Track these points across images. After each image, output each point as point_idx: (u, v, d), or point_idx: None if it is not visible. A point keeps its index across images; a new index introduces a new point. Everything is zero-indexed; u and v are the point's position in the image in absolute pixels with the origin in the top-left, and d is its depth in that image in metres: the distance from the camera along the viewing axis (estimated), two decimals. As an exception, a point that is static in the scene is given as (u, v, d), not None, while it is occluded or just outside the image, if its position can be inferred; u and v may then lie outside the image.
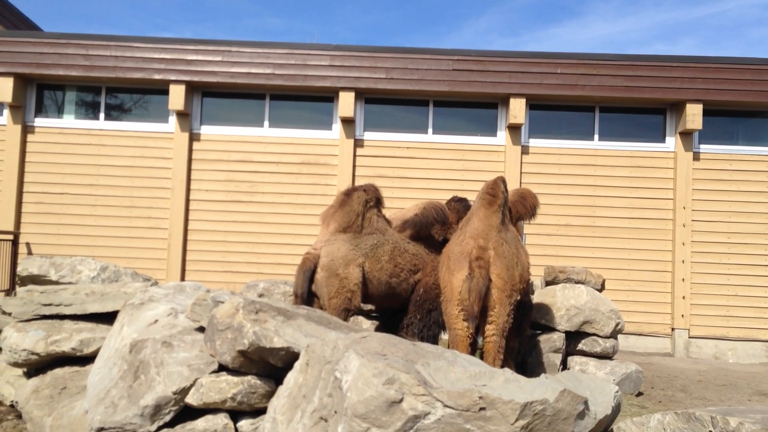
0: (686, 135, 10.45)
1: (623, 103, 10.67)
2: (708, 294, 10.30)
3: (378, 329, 6.76)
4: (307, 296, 5.88)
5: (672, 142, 10.61)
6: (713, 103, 10.34)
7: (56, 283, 5.99)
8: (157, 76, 10.49)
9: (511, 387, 2.93)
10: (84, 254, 9.57)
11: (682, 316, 10.20)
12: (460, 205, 6.76)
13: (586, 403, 3.00)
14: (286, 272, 9.92)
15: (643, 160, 10.60)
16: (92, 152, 10.78)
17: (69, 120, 11.01)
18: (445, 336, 5.87)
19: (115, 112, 11.11)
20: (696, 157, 10.50)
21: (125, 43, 10.52)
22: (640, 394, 6.94)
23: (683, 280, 10.25)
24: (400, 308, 6.45)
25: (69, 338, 4.86)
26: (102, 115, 10.98)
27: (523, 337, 6.43)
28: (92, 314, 5.12)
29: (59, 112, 11.08)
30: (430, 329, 6.34)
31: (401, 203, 9.27)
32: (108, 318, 5.07)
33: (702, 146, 10.56)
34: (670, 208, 10.46)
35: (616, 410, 3.34)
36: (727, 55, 10.43)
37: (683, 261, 10.27)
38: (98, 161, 10.76)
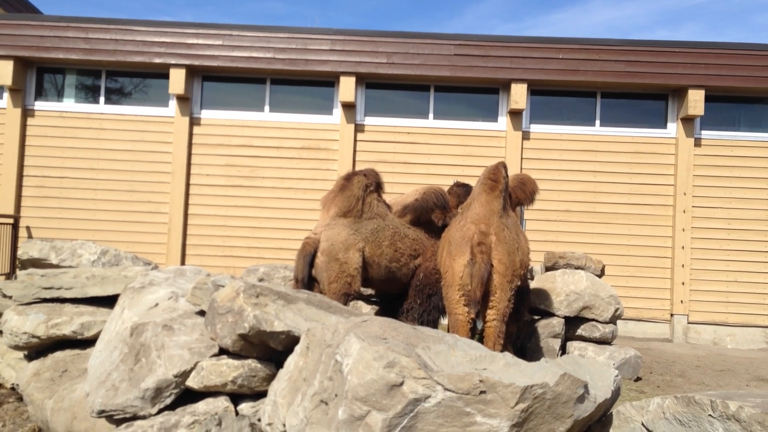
0: (688, 121, 10.42)
1: (625, 88, 10.63)
2: (707, 280, 10.31)
3: (378, 314, 6.77)
4: (308, 281, 5.89)
5: (673, 128, 10.58)
6: (715, 89, 10.31)
7: (57, 266, 6.01)
8: (157, 60, 10.45)
9: (511, 371, 2.94)
10: (84, 238, 9.57)
11: (681, 301, 10.22)
12: (462, 190, 6.74)
13: (586, 386, 3.01)
14: (287, 257, 9.93)
15: (644, 146, 10.58)
16: (92, 136, 10.76)
17: (69, 103, 10.98)
18: (444, 321, 5.88)
19: (116, 95, 11.07)
20: (697, 143, 10.48)
21: (125, 27, 10.47)
22: (638, 379, 6.97)
23: (683, 266, 10.26)
24: (400, 293, 6.46)
25: (70, 321, 4.87)
26: (102, 98, 10.95)
27: (521, 322, 6.45)
28: (93, 298, 5.13)
29: (59, 95, 11.05)
30: (430, 314, 6.35)
31: (402, 188, 9.25)
32: (109, 301, 5.08)
33: (703, 132, 10.54)
34: (671, 194, 10.46)
35: (616, 394, 3.35)
36: (730, 41, 10.40)
37: (683, 247, 10.28)
38: (98, 145, 10.74)
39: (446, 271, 5.11)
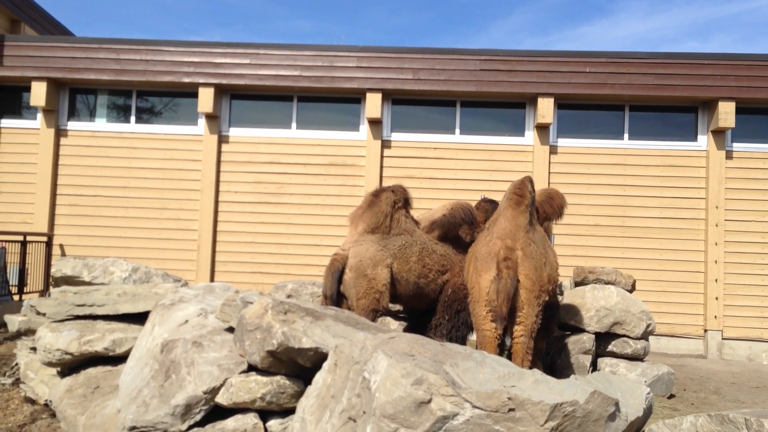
0: (718, 133, 10.28)
1: (654, 101, 10.54)
2: (742, 295, 10.12)
3: (406, 330, 6.75)
4: (336, 297, 5.90)
5: (704, 140, 10.44)
6: (746, 101, 10.17)
7: (89, 284, 6.09)
8: (186, 80, 10.62)
9: (540, 388, 2.91)
10: (116, 255, 9.71)
11: (715, 317, 10.03)
12: (490, 206, 6.71)
13: (617, 404, 2.96)
14: (315, 273, 9.96)
15: (674, 159, 10.45)
16: (123, 155, 10.94)
17: (101, 123, 11.19)
18: (473, 337, 5.85)
19: (146, 115, 11.26)
20: (729, 155, 10.33)
21: (155, 47, 10.67)
22: (672, 396, 6.84)
23: (716, 280, 10.08)
24: (428, 309, 6.44)
25: (102, 338, 4.94)
26: (133, 118, 11.15)
27: (551, 338, 6.37)
28: (124, 314, 5.20)
29: (91, 115, 11.27)
30: (459, 330, 6.31)
31: (429, 204, 9.25)
32: (140, 318, 5.14)
33: (735, 145, 10.38)
34: (703, 208, 10.30)
35: (648, 412, 3.30)
36: (760, 53, 10.25)
37: (716, 261, 10.11)
38: (129, 164, 10.92)
39: (473, 286, 5.09)
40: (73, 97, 11.23)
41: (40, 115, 10.97)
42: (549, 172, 10.45)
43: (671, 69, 10.14)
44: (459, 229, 6.63)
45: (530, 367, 4.80)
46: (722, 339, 10.04)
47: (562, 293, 7.46)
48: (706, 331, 10.08)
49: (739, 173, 10.30)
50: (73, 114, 11.20)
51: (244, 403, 3.71)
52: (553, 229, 6.70)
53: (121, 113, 11.29)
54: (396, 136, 10.80)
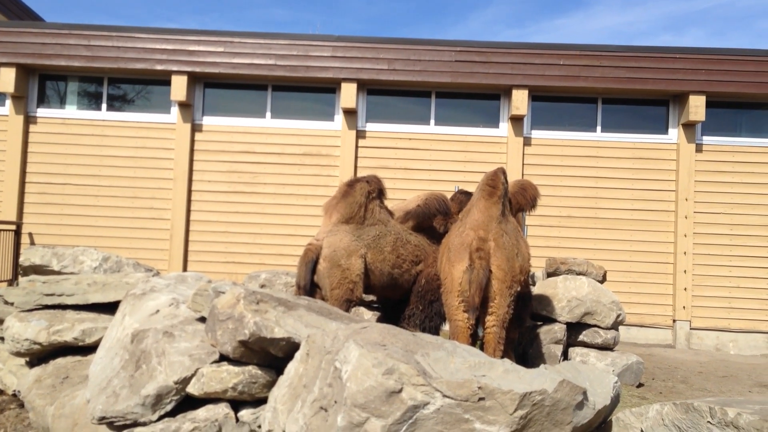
0: (689, 126, 10.43)
1: (626, 94, 10.64)
2: (710, 285, 10.30)
3: (380, 320, 6.77)
4: (310, 287, 5.90)
5: (675, 133, 10.58)
6: (716, 94, 10.31)
7: (58, 273, 6.01)
8: (159, 67, 10.49)
9: (510, 377, 2.94)
10: (86, 245, 9.58)
11: (684, 307, 10.20)
12: (464, 197, 6.76)
13: (584, 393, 3.01)
14: (289, 263, 9.94)
15: (645, 152, 10.58)
16: (94, 143, 10.79)
17: (71, 110, 11.01)
18: (446, 327, 5.89)
19: (118, 102, 11.11)
20: (698, 148, 10.48)
21: (127, 34, 10.51)
22: (641, 385, 6.95)
23: (685, 271, 10.25)
24: (402, 299, 6.47)
25: (71, 328, 4.88)
26: (104, 105, 10.99)
27: (523, 328, 6.44)
28: (94, 304, 5.14)
29: (61, 102, 11.09)
30: (432, 320, 6.35)
31: (403, 194, 9.27)
32: (110, 308, 5.09)
33: (705, 138, 10.53)
34: (673, 200, 10.45)
35: (615, 401, 3.35)
36: (731, 47, 10.39)
37: (685, 253, 10.27)
38: (100, 152, 10.77)
39: (445, 277, 5.12)
40: (43, 84, 11.03)
41: (8, 102, 10.75)
42: (523, 164, 10.51)
43: (643, 62, 10.25)
44: (433, 220, 6.66)
45: (502, 357, 4.84)
46: (690, 329, 10.21)
47: (534, 284, 7.54)
48: (674, 321, 10.25)
49: (708, 166, 10.46)
50: (42, 101, 11.00)
51: (216, 393, 3.70)
52: (525, 220, 6.76)
53: (92, 100, 11.12)
54: (371, 127, 10.78)
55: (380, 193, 6.39)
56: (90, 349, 4.92)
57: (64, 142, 10.79)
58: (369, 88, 10.83)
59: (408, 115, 10.93)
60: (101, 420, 3.75)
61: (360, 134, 10.74)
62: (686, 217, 10.31)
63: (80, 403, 4.16)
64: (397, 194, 9.28)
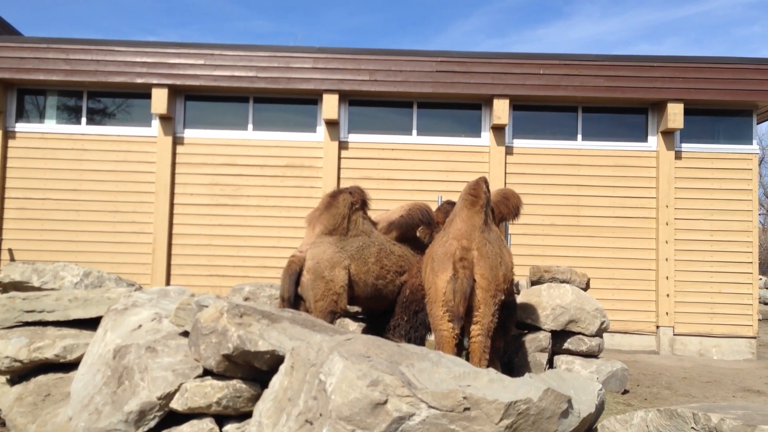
0: (668, 134, 10.54)
1: (605, 103, 10.74)
2: (692, 291, 10.38)
3: (365, 331, 6.75)
4: (294, 299, 5.86)
5: (654, 141, 10.69)
6: (694, 102, 10.44)
7: (39, 289, 5.93)
8: (139, 80, 10.44)
9: (495, 387, 2.94)
10: (67, 260, 9.47)
11: (667, 313, 10.27)
12: (450, 207, 6.75)
13: (569, 401, 3.01)
14: (272, 275, 9.89)
15: (626, 160, 10.68)
16: (74, 157, 10.70)
17: (50, 125, 10.93)
18: (431, 337, 5.88)
19: (98, 116, 11.04)
20: (678, 155, 10.59)
21: (107, 47, 10.46)
22: (626, 392, 6.98)
23: (667, 278, 10.33)
24: (386, 310, 6.45)
25: (52, 345, 4.81)
26: (84, 119, 10.91)
27: (509, 337, 6.45)
28: (76, 320, 5.07)
29: (41, 116, 11.00)
30: (417, 330, 6.34)
31: (387, 205, 9.26)
32: (92, 324, 5.03)
33: (683, 145, 10.65)
34: (653, 207, 10.54)
35: (600, 408, 3.36)
36: (709, 55, 10.54)
37: (667, 259, 10.35)
38: (81, 166, 10.69)
39: (429, 287, 5.12)
40: (22, 98, 10.94)
41: (-14, 117, 10.66)
42: (505, 173, 10.57)
43: (622, 71, 10.36)
44: (417, 230, 6.66)
45: (488, 366, 4.84)
46: (674, 335, 10.29)
47: (518, 292, 7.55)
48: (658, 327, 10.31)
49: (687, 173, 10.58)
50: (21, 115, 10.90)
51: (200, 408, 3.66)
52: (509, 229, 6.78)
53: (71, 114, 11.05)
54: (353, 137, 10.79)
55: (363, 204, 6.38)
56: (72, 365, 4.85)
57: (44, 157, 10.69)
58: (351, 99, 10.84)
59: (390, 126, 10.95)
60: (83, 438, 3.70)
61: (342, 145, 10.74)
62: (667, 224, 10.40)
63: (62, 420, 4.10)
64: (380, 205, 9.26)
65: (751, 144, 10.70)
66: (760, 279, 23.03)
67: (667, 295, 10.30)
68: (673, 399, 6.97)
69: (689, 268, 10.43)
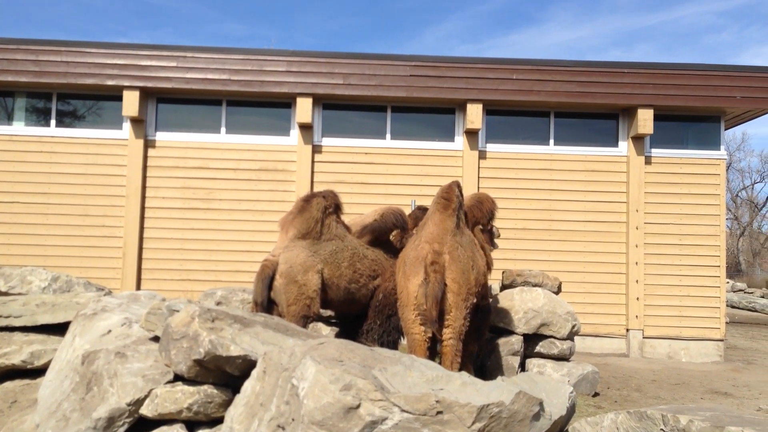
0: (638, 139, 10.68)
1: (577, 108, 10.85)
2: (661, 295, 10.52)
3: (338, 335, 6.74)
4: (267, 303, 5.83)
5: (624, 146, 10.83)
6: (664, 108, 10.59)
7: (5, 294, 5.83)
8: (110, 82, 10.31)
9: (467, 390, 2.95)
10: (35, 264, 9.33)
11: (636, 317, 10.40)
12: (422, 213, 6.78)
13: (541, 404, 3.03)
14: (245, 279, 9.81)
15: (597, 164, 10.80)
16: (43, 159, 10.53)
17: (19, 127, 10.74)
18: (404, 341, 5.88)
19: (67, 118, 10.88)
20: (648, 161, 10.74)
21: (77, 49, 10.31)
22: (596, 394, 7.05)
23: (637, 281, 10.46)
24: (359, 314, 6.45)
25: (19, 351, 4.74)
26: (53, 121, 10.75)
27: (482, 341, 6.48)
28: (43, 326, 5.00)
29: (9, 118, 10.81)
30: (390, 334, 6.35)
31: (360, 209, 9.24)
32: (60, 329, 4.96)
33: (653, 150, 10.81)
34: (624, 211, 10.67)
35: (571, 411, 3.39)
36: (678, 62, 10.72)
37: (636, 263, 10.48)
38: (50, 169, 10.52)
39: (401, 291, 5.12)
40: (-11, 100, 10.75)
41: (-48, 118, 10.45)
42: (478, 177, 10.62)
43: (593, 77, 10.48)
44: (390, 234, 6.67)
45: (460, 369, 4.86)
46: (643, 338, 10.41)
47: (492, 296, 7.59)
48: (628, 330, 10.43)
49: (657, 178, 10.73)
50: (-12, 117, 10.72)
51: (170, 414, 3.62)
52: (498, 233, 6.81)
53: (40, 117, 10.87)
54: (327, 141, 10.77)
55: (337, 208, 6.37)
56: (39, 372, 4.78)
57: (12, 159, 10.51)
58: (325, 102, 10.82)
59: (364, 130, 10.96)
60: (50, 445, 3.64)
61: (316, 149, 10.71)
62: (637, 228, 10.53)
63: (29, 427, 4.03)
64: (353, 209, 9.24)
65: (719, 150, 10.89)
66: (728, 283, 23.46)
67: (637, 299, 10.43)
68: (643, 401, 7.06)
69: (658, 271, 10.57)
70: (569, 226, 10.66)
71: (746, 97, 10.41)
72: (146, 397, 3.67)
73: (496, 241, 6.61)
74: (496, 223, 6.58)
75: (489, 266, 6.26)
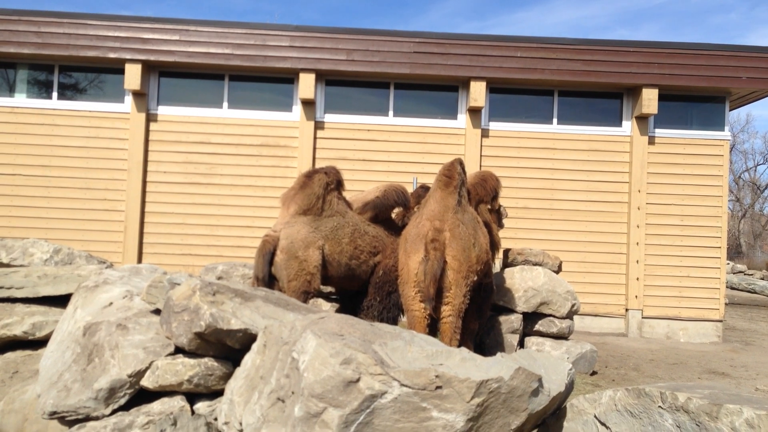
0: (642, 119, 10.63)
1: (581, 87, 10.79)
2: (661, 275, 10.54)
3: (338, 311, 6.76)
4: (268, 279, 5.85)
5: (628, 126, 10.78)
6: (668, 87, 10.52)
7: (7, 265, 5.85)
8: (112, 55, 10.25)
9: (467, 365, 2.96)
10: (37, 236, 9.35)
11: (636, 297, 10.43)
12: (424, 192, 6.77)
13: (540, 380, 3.05)
14: (246, 255, 9.85)
15: (600, 144, 10.76)
16: (45, 132, 10.51)
17: (21, 99, 10.70)
18: (404, 318, 5.91)
19: (69, 91, 10.83)
20: (651, 141, 10.70)
21: (79, 21, 10.24)
22: (594, 373, 7.09)
23: (637, 261, 10.47)
24: (360, 290, 6.47)
25: (21, 321, 4.76)
26: (55, 94, 10.70)
27: (484, 319, 6.50)
28: (45, 297, 5.02)
29: (10, 90, 10.76)
30: (390, 311, 6.37)
31: (362, 185, 9.24)
32: (61, 301, 4.98)
33: (657, 130, 10.76)
34: (626, 191, 10.65)
35: (570, 387, 3.41)
36: (684, 41, 10.63)
37: (637, 243, 10.49)
38: (51, 141, 10.49)
39: (402, 267, 5.13)
40: (-10, 71, 10.71)
41: (-47, 89, 10.41)
42: (481, 155, 10.59)
43: (598, 56, 10.40)
44: (391, 211, 6.67)
45: (459, 347, 4.88)
46: (642, 318, 10.45)
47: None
48: (627, 310, 10.47)
49: (660, 158, 10.69)
50: (-10, 89, 10.68)
51: (171, 386, 3.64)
52: (507, 212, 6.82)
53: (42, 89, 10.83)
54: (329, 118, 10.73)
55: (338, 185, 6.37)
56: (40, 343, 4.80)
57: (13, 132, 10.48)
58: (327, 78, 10.76)
59: (367, 106, 10.90)
60: (52, 415, 3.67)
61: (318, 125, 10.67)
62: (639, 209, 10.52)
63: (31, 398, 4.06)
64: (355, 185, 9.24)
65: (723, 130, 10.83)
66: (728, 264, 23.49)
67: (637, 279, 10.45)
68: (640, 380, 7.10)
69: (659, 252, 10.58)
70: (571, 206, 10.65)
71: (752, 77, 10.34)
72: (147, 368, 3.69)
73: (503, 221, 6.61)
74: (499, 202, 6.56)
75: (497, 246, 6.28)
